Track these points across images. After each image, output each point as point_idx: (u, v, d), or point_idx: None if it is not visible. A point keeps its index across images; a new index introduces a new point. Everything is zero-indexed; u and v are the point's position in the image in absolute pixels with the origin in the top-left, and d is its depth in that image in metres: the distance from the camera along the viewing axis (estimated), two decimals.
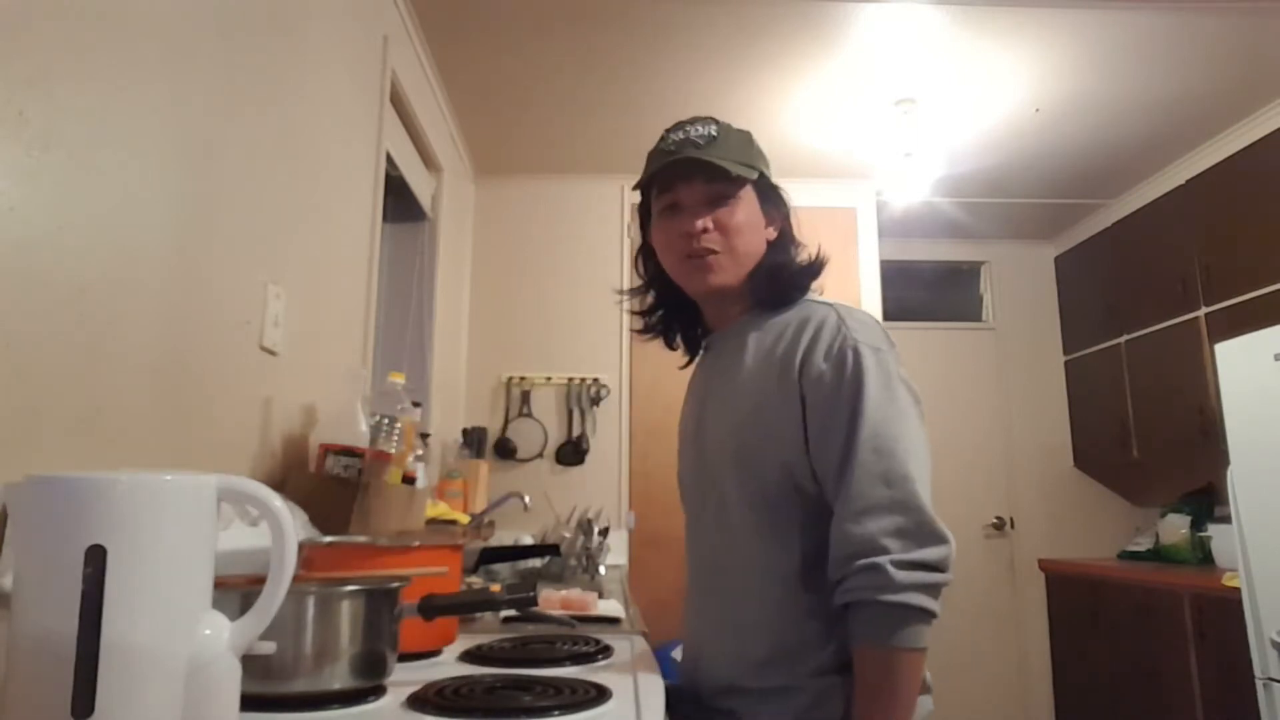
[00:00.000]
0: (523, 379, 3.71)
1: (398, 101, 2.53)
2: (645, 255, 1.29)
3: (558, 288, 3.80)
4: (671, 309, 1.29)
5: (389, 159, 2.44)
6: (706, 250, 1.15)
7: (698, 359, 1.32)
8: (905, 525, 0.99)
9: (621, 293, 1.36)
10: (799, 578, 1.07)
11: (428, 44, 2.78)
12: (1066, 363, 4.53)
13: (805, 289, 1.19)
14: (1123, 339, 3.99)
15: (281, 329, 1.59)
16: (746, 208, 1.17)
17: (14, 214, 0.89)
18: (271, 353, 1.56)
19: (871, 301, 3.84)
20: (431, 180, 3.10)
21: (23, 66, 0.89)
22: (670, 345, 1.32)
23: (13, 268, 0.89)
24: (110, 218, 1.06)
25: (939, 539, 1.00)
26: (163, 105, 1.17)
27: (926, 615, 0.98)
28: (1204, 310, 3.43)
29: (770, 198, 1.21)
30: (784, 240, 1.21)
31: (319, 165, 1.84)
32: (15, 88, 0.88)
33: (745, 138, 1.21)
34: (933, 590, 0.98)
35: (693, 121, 1.19)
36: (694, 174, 1.15)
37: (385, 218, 2.43)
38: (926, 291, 4.72)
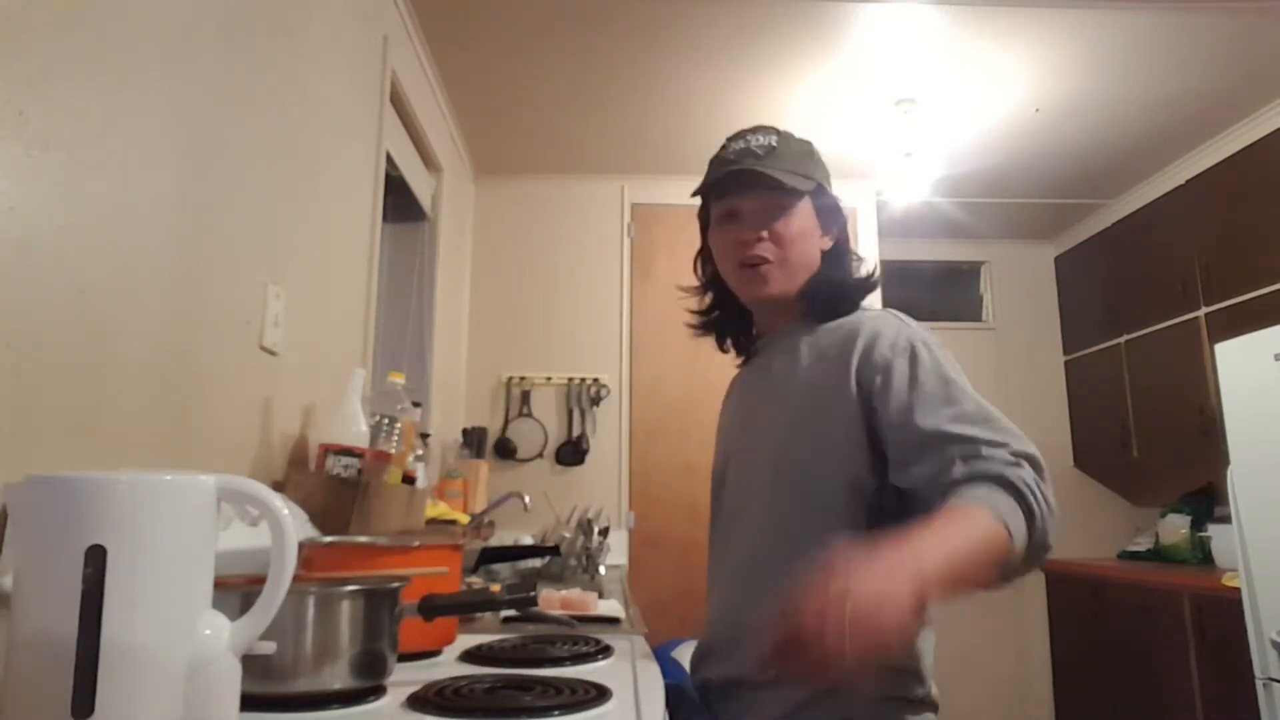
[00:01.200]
0: (523, 379, 3.71)
1: (398, 101, 2.53)
2: (704, 258, 1.33)
3: (558, 287, 3.80)
4: (726, 311, 1.33)
5: (389, 159, 2.44)
6: (760, 259, 1.17)
7: (745, 363, 1.34)
8: (1044, 476, 0.94)
9: (682, 290, 1.38)
10: None
11: (428, 44, 2.78)
12: (1066, 363, 4.53)
13: (857, 304, 1.21)
14: (1123, 339, 3.99)
15: (281, 329, 1.59)
16: (802, 219, 1.19)
17: (14, 214, 0.89)
18: (271, 353, 1.56)
19: (871, 302, 3.83)
20: (431, 180, 3.10)
21: (23, 66, 0.89)
22: (721, 347, 1.35)
23: (13, 268, 0.89)
24: (110, 218, 1.06)
25: (1041, 467, 0.95)
26: (163, 105, 1.17)
27: (1042, 552, 0.89)
28: (1204, 310, 3.43)
29: (827, 209, 1.23)
30: (839, 251, 1.23)
31: (319, 165, 1.84)
32: (15, 88, 0.88)
33: (805, 149, 1.23)
34: (1046, 544, 0.91)
35: (754, 131, 1.22)
36: (752, 184, 1.17)
37: (385, 218, 2.43)
38: (926, 291, 4.72)
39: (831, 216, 1.23)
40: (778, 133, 1.21)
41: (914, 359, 1.05)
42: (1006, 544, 0.86)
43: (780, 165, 1.17)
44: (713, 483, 1.30)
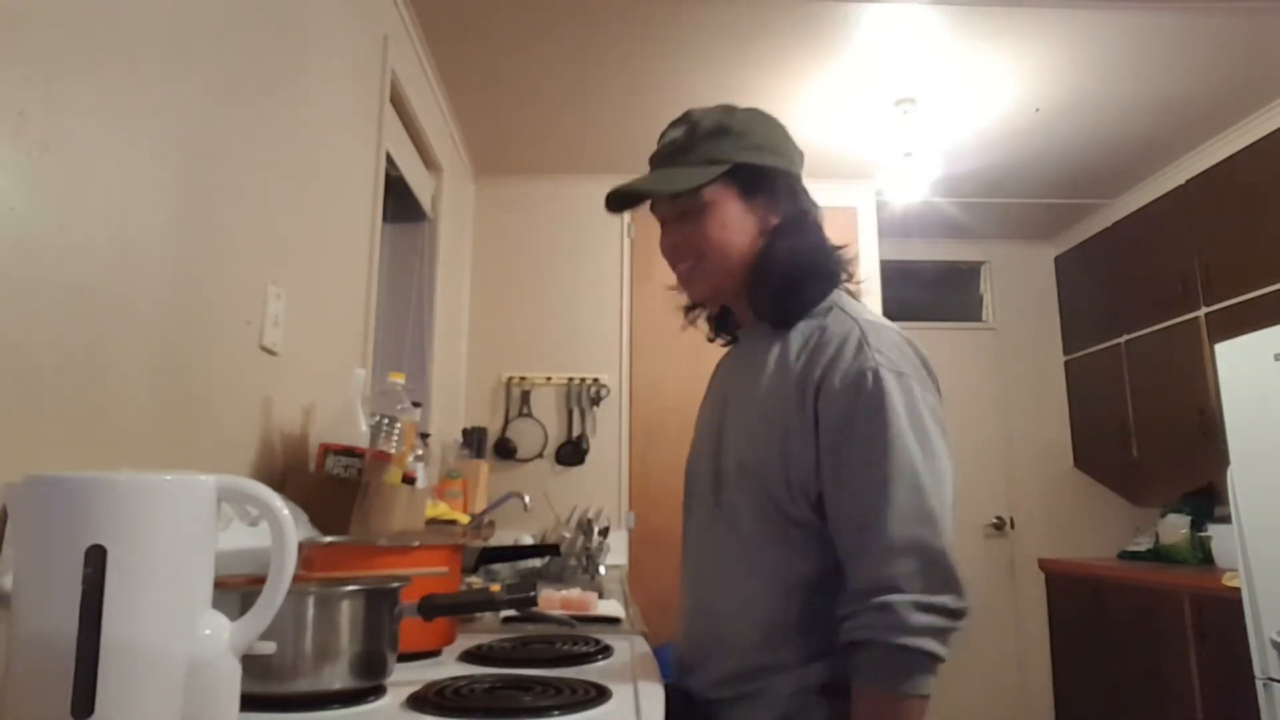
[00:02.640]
0: (523, 379, 3.71)
1: (398, 101, 2.53)
2: None
3: (558, 288, 3.80)
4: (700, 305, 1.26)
5: (389, 159, 2.44)
6: (682, 264, 1.14)
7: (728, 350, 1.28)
8: (926, 568, 0.93)
9: (670, 288, 1.28)
10: (799, 592, 1.03)
11: (428, 44, 2.78)
12: (1066, 363, 4.53)
13: (814, 298, 1.11)
14: (1123, 339, 3.99)
15: (281, 329, 1.59)
16: (718, 213, 1.10)
17: (14, 214, 0.89)
18: (271, 353, 1.56)
19: (871, 301, 3.84)
20: (431, 180, 3.10)
21: (23, 66, 0.89)
22: (709, 338, 1.28)
23: (13, 268, 0.89)
24: (110, 218, 1.06)
25: (958, 587, 0.94)
26: (163, 105, 1.17)
27: (935, 662, 0.92)
28: (1204, 310, 3.43)
29: (758, 183, 1.11)
30: (787, 226, 1.12)
31: (319, 165, 1.84)
32: (15, 88, 0.88)
33: (718, 128, 1.11)
34: (946, 637, 0.93)
35: (671, 126, 1.16)
36: (646, 198, 1.13)
37: (385, 218, 2.43)
38: (926, 291, 4.72)
39: (769, 190, 1.11)
40: (688, 122, 1.13)
41: (856, 397, 0.99)
42: (912, 701, 0.92)
43: (688, 159, 1.10)
44: (686, 475, 1.25)
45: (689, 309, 1.25)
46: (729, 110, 1.14)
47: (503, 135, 3.49)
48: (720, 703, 1.07)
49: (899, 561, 0.93)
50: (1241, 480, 2.67)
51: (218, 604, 0.65)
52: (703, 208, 1.10)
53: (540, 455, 3.65)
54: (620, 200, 1.14)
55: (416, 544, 1.13)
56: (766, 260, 1.11)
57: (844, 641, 0.96)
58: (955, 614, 0.93)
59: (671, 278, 1.20)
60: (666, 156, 1.13)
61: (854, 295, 1.17)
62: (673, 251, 1.15)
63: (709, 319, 1.26)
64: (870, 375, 0.99)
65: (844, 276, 1.15)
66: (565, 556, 2.43)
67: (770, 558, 1.05)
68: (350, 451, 1.57)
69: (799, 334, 1.09)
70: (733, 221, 1.11)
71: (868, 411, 0.98)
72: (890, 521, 0.94)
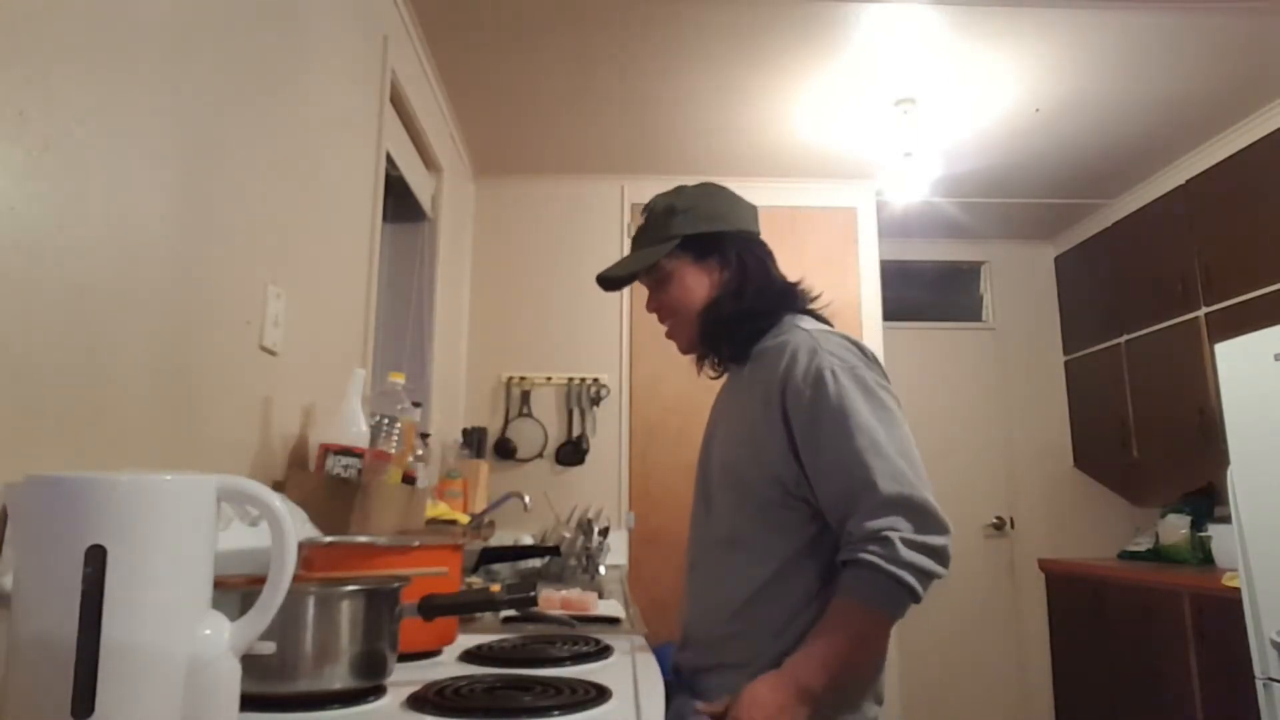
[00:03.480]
0: (523, 379, 3.71)
1: (398, 101, 2.53)
2: None
3: (558, 288, 3.80)
4: None
5: (389, 159, 2.44)
6: (664, 323, 1.37)
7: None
8: (915, 514, 1.08)
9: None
10: (774, 563, 1.18)
11: (428, 44, 2.78)
12: (1066, 363, 4.53)
13: (763, 328, 1.28)
14: (1123, 339, 3.99)
15: (281, 329, 1.59)
16: (678, 280, 1.32)
17: (14, 214, 0.89)
18: (271, 353, 1.56)
19: (871, 301, 3.84)
20: (431, 180, 3.10)
21: (23, 66, 0.89)
22: (712, 377, 1.42)
23: (12, 268, 0.89)
24: (110, 218, 1.06)
25: (943, 528, 1.09)
26: (163, 105, 1.17)
27: (914, 597, 1.07)
28: (1204, 310, 3.43)
29: (705, 250, 1.31)
30: (731, 282, 1.30)
31: (319, 165, 1.84)
32: (15, 88, 0.88)
33: (668, 211, 1.33)
34: (928, 577, 1.07)
35: (641, 213, 1.38)
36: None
37: (385, 218, 2.43)
38: (926, 291, 4.72)
39: (717, 250, 1.31)
40: (647, 209, 1.36)
41: (819, 392, 1.16)
42: (878, 618, 1.08)
43: (645, 240, 1.34)
44: (695, 479, 1.41)
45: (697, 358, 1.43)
46: (679, 191, 1.37)
47: (503, 135, 3.49)
48: (707, 670, 1.21)
49: (892, 513, 1.08)
50: (1241, 480, 2.67)
51: (218, 604, 0.65)
52: (666, 277, 1.33)
53: (540, 455, 3.65)
54: (605, 283, 1.38)
55: (416, 544, 1.13)
56: (714, 315, 1.30)
57: (840, 560, 1.11)
58: (940, 552, 1.08)
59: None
60: (634, 240, 1.38)
61: (817, 314, 1.34)
62: (655, 313, 1.38)
63: (708, 363, 1.41)
64: (828, 373, 1.16)
65: (803, 303, 1.33)
66: (565, 556, 2.43)
67: (748, 537, 1.21)
68: (350, 451, 1.57)
69: (761, 352, 1.27)
70: (691, 284, 1.32)
71: (830, 403, 1.15)
72: (878, 483, 1.09)
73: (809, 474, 1.16)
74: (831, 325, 1.32)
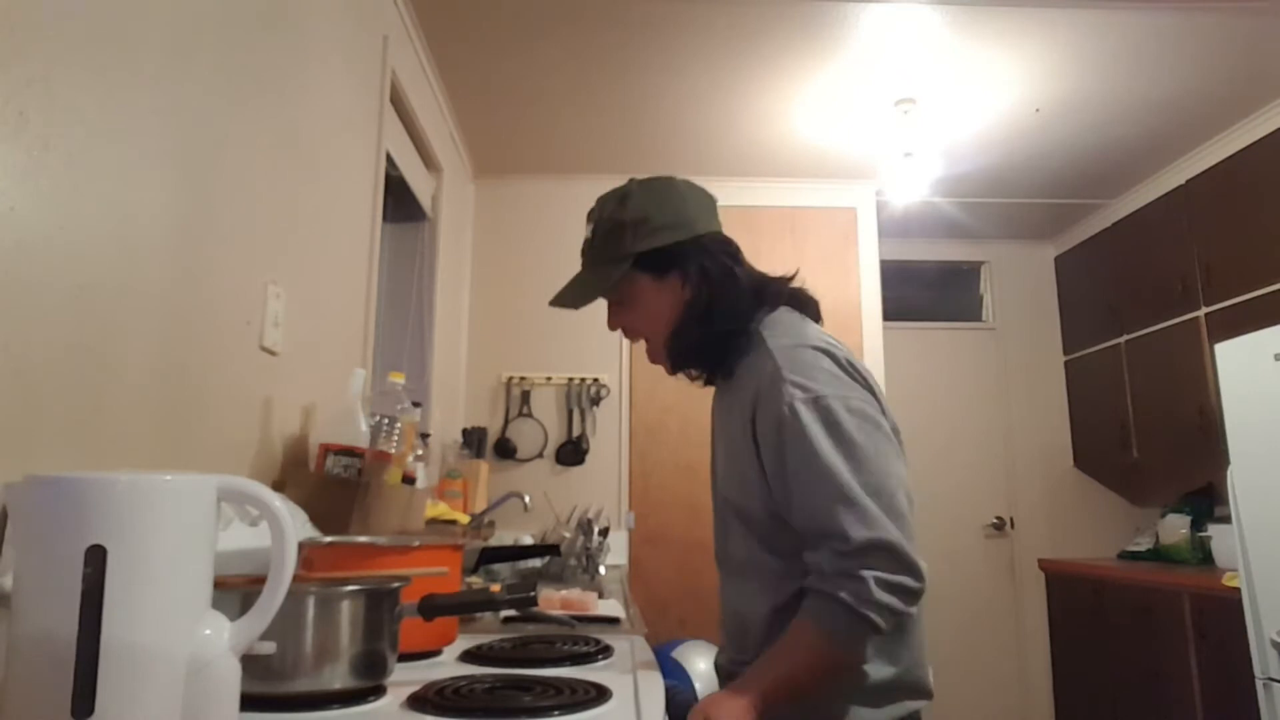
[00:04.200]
0: (523, 379, 3.71)
1: (398, 101, 2.53)
2: None
3: (558, 287, 3.79)
4: None
5: (389, 159, 2.44)
6: (635, 343, 1.30)
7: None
8: (886, 558, 1.03)
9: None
10: (786, 589, 1.14)
11: (428, 44, 2.78)
12: (1066, 363, 4.53)
13: (738, 345, 1.20)
14: (1123, 339, 3.99)
15: (281, 329, 1.59)
16: (638, 300, 1.23)
17: (14, 214, 0.89)
18: (271, 353, 1.56)
19: (871, 301, 3.84)
20: (431, 180, 3.10)
21: (23, 66, 0.89)
22: (701, 386, 1.35)
23: (13, 268, 0.89)
24: (110, 218, 1.06)
25: (916, 572, 1.04)
26: (163, 105, 1.17)
27: (876, 634, 1.04)
28: (1204, 310, 3.43)
29: (667, 262, 1.20)
30: (698, 298, 1.20)
31: (319, 165, 1.84)
32: (15, 88, 0.88)
33: (614, 226, 1.21)
34: (895, 616, 1.04)
35: (587, 219, 1.27)
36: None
37: (385, 218, 2.43)
38: (926, 291, 4.72)
39: (676, 263, 1.20)
40: (591, 220, 1.25)
41: (781, 436, 1.09)
42: (838, 656, 1.05)
43: (597, 259, 1.23)
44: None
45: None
46: (623, 199, 1.22)
47: (503, 135, 3.49)
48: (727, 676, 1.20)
49: (864, 556, 1.03)
50: (1241, 480, 2.67)
51: (218, 604, 0.65)
52: (625, 299, 1.24)
53: (540, 455, 3.65)
54: (558, 305, 1.29)
55: (416, 544, 1.13)
56: (684, 343, 1.23)
57: (810, 588, 1.07)
58: (914, 595, 1.04)
59: None
60: (583, 257, 1.27)
61: (799, 299, 1.25)
62: (622, 333, 1.30)
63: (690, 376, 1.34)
64: (787, 411, 1.09)
65: (780, 296, 1.23)
66: (565, 556, 2.43)
67: (759, 566, 1.17)
68: (350, 451, 1.57)
69: (739, 370, 1.20)
70: (653, 304, 1.23)
71: (793, 446, 1.09)
72: (848, 532, 1.04)
73: (785, 515, 1.12)
74: (809, 313, 1.24)
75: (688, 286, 1.20)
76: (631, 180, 1.25)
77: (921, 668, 1.15)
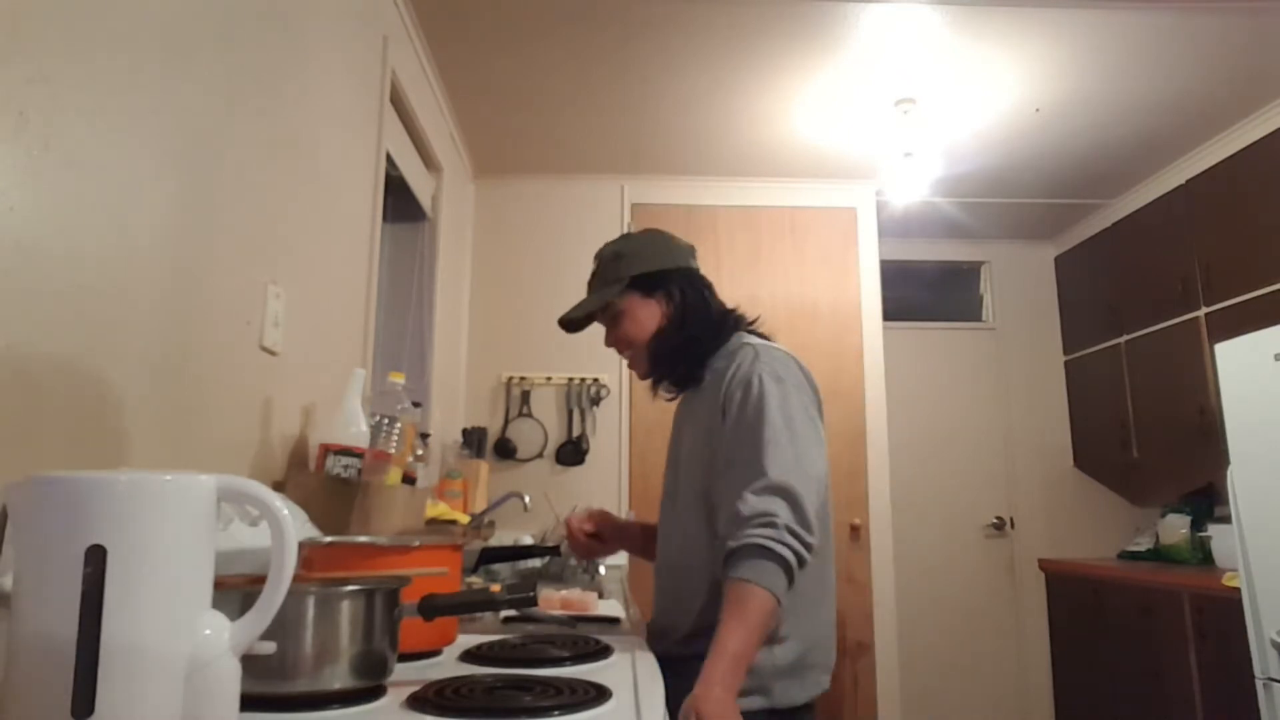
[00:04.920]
0: (523, 379, 3.71)
1: (398, 101, 2.53)
2: None
3: (558, 287, 3.80)
4: None
5: (389, 159, 2.44)
6: (623, 355, 1.52)
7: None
8: (794, 508, 1.20)
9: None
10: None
11: (428, 44, 2.78)
12: (1066, 363, 4.53)
13: (710, 351, 1.43)
14: (1123, 339, 3.99)
15: (281, 329, 1.59)
16: (630, 316, 1.47)
17: (14, 214, 0.89)
18: (271, 353, 1.56)
19: (871, 301, 3.83)
20: (431, 180, 3.10)
21: (23, 66, 0.89)
22: (668, 399, 1.57)
23: (13, 268, 0.89)
24: (110, 217, 1.06)
25: (811, 531, 1.20)
26: (163, 105, 1.17)
27: (789, 576, 1.17)
28: (1204, 310, 3.43)
29: (655, 285, 1.46)
30: (677, 316, 1.46)
31: (319, 165, 1.84)
32: (15, 88, 0.88)
33: (615, 256, 1.49)
34: (800, 562, 1.18)
35: (594, 260, 1.53)
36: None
37: (385, 218, 2.43)
38: (926, 291, 4.72)
39: (662, 286, 1.46)
40: (598, 257, 1.52)
41: (745, 395, 1.31)
42: (772, 603, 1.17)
43: (599, 284, 1.49)
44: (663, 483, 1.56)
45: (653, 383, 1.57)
46: (626, 238, 1.58)
47: (503, 135, 3.49)
48: (683, 660, 1.23)
49: (775, 499, 1.20)
50: (1241, 480, 2.67)
51: (218, 604, 0.65)
52: (619, 314, 1.48)
53: (540, 455, 3.65)
54: (566, 326, 1.54)
55: (416, 544, 1.13)
56: (662, 343, 1.46)
57: (729, 545, 1.20)
58: (806, 548, 1.19)
59: None
60: (590, 286, 1.53)
61: (758, 332, 1.49)
62: (615, 346, 1.52)
63: (663, 387, 1.54)
64: (756, 378, 1.32)
65: (743, 324, 1.48)
66: (565, 556, 2.43)
67: (708, 534, 1.32)
68: (350, 451, 1.57)
69: (713, 369, 1.43)
70: (641, 318, 1.47)
71: (751, 401, 1.30)
72: (768, 468, 1.23)
73: (716, 463, 1.30)
74: (773, 341, 1.46)
75: (669, 303, 1.47)
76: (627, 232, 1.53)
77: (832, 643, 1.35)
